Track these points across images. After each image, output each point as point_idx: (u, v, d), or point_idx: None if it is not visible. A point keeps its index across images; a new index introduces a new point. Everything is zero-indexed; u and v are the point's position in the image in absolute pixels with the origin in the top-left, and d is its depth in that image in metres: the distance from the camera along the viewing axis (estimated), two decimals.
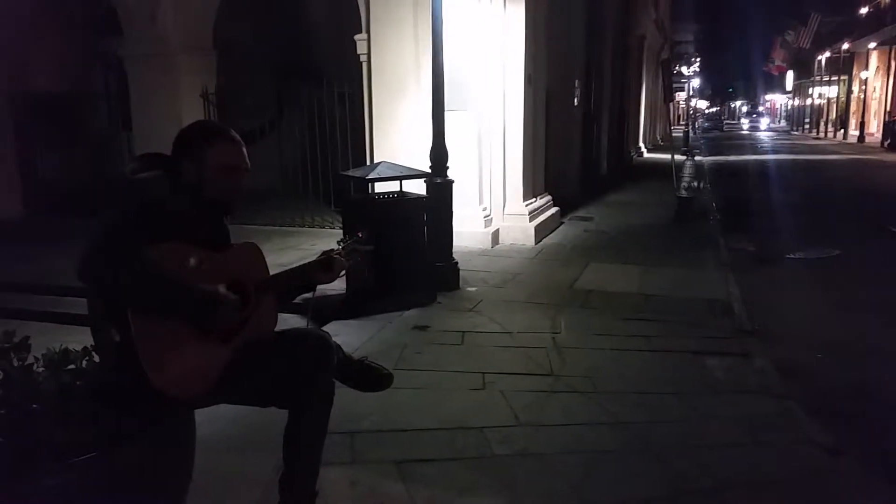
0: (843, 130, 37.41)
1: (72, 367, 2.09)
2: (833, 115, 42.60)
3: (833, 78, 41.86)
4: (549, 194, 9.59)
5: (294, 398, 2.33)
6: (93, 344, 2.18)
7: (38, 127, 10.21)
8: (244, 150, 2.30)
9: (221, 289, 2.11)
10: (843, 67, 39.22)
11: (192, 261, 2.09)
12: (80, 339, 2.28)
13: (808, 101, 50.85)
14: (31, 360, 2.05)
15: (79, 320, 3.35)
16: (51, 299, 5.49)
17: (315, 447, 2.38)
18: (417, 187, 5.94)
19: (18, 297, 5.76)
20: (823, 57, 43.20)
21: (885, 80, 33.66)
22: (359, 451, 3.18)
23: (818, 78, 45.73)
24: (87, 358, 2.13)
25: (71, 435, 1.88)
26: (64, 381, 2.04)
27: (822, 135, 41.32)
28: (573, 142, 12.15)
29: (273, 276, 2.42)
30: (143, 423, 1.99)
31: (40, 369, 2.05)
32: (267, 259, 2.45)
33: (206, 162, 2.22)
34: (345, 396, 2.59)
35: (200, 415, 2.34)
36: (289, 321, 2.63)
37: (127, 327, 1.98)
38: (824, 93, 44.77)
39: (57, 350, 2.10)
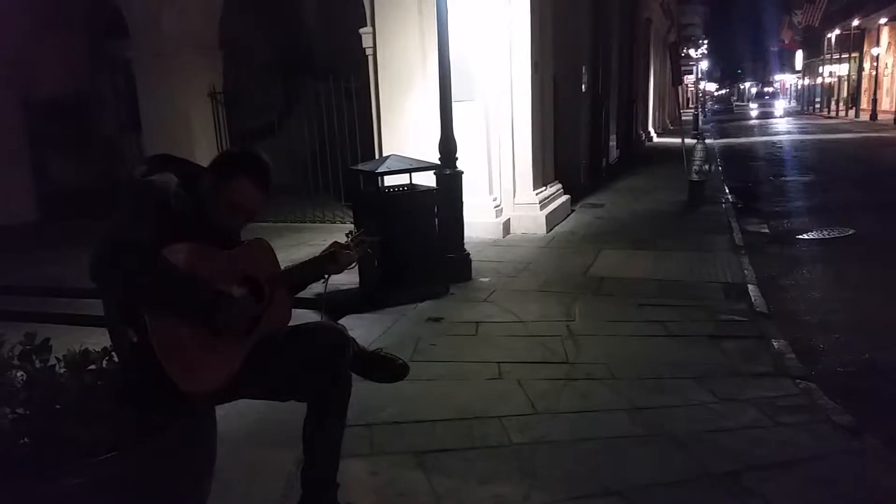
0: (854, 109, 36.95)
1: (92, 367, 2.11)
2: (844, 94, 42.08)
3: (843, 56, 41.31)
4: (559, 182, 9.55)
5: (312, 391, 2.35)
6: (112, 345, 2.20)
7: (50, 131, 10.28)
8: (263, 197, 2.27)
9: (235, 289, 2.12)
10: (853, 44, 38.66)
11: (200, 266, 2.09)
12: (98, 340, 2.30)
13: (819, 81, 50.26)
14: (52, 361, 2.08)
15: (96, 321, 3.39)
16: (67, 301, 5.55)
17: (335, 439, 2.40)
18: (427, 179, 5.94)
19: (36, 300, 5.83)
20: (833, 34, 42.60)
21: None
22: (378, 442, 3.20)
23: (828, 56, 45.14)
24: (107, 358, 2.16)
25: (94, 434, 1.90)
26: (85, 381, 2.06)
27: (833, 114, 40.85)
28: (582, 128, 12.06)
29: (284, 270, 2.43)
30: (165, 420, 2.01)
31: (62, 370, 2.07)
32: (280, 255, 2.47)
33: (223, 188, 2.21)
34: (362, 389, 2.61)
35: (221, 410, 2.36)
36: (302, 316, 2.63)
37: (144, 327, 1.99)
38: (835, 71, 44.20)
39: (77, 351, 2.12)
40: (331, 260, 2.50)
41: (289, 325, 2.44)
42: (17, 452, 1.86)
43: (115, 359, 2.17)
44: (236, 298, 2.11)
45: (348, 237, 2.62)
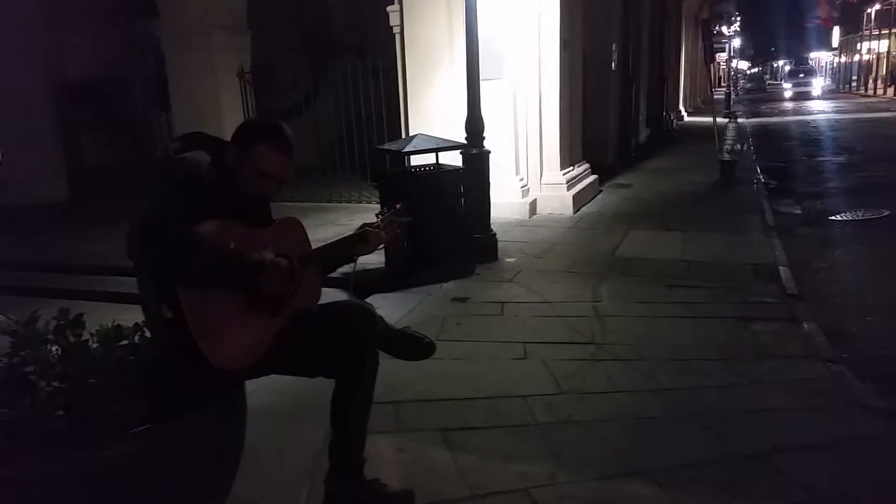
0: (893, 87, 35.90)
1: (125, 342, 2.15)
2: (883, 71, 40.87)
3: (883, 31, 40.07)
4: (587, 162, 9.45)
5: (340, 367, 2.38)
6: (143, 320, 2.24)
7: (80, 112, 10.41)
8: (288, 163, 2.29)
9: (268, 255, 2.15)
10: (894, 19, 37.49)
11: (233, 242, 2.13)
12: (129, 316, 2.34)
13: (856, 58, 48.86)
14: (85, 336, 2.12)
15: (129, 298, 3.44)
16: (98, 279, 5.65)
17: (362, 415, 2.43)
18: (454, 159, 5.91)
19: (68, 277, 5.94)
20: (873, 9, 41.33)
21: None
22: (404, 420, 3.23)
23: (867, 32, 43.86)
24: (139, 334, 2.19)
25: (127, 407, 1.94)
26: (119, 355, 2.10)
27: (870, 92, 39.75)
28: (611, 107, 11.88)
29: (315, 249, 2.45)
30: (196, 395, 2.04)
31: (95, 345, 2.11)
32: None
33: (246, 158, 2.23)
34: (388, 367, 2.62)
35: (250, 385, 2.39)
36: (330, 295, 2.65)
37: (178, 304, 2.02)
38: (873, 48, 42.92)
39: (110, 327, 2.16)
40: (361, 240, 2.51)
41: (318, 303, 2.46)
42: (52, 424, 1.90)
43: (148, 334, 2.21)
44: (277, 262, 2.13)
45: (378, 218, 2.62)
